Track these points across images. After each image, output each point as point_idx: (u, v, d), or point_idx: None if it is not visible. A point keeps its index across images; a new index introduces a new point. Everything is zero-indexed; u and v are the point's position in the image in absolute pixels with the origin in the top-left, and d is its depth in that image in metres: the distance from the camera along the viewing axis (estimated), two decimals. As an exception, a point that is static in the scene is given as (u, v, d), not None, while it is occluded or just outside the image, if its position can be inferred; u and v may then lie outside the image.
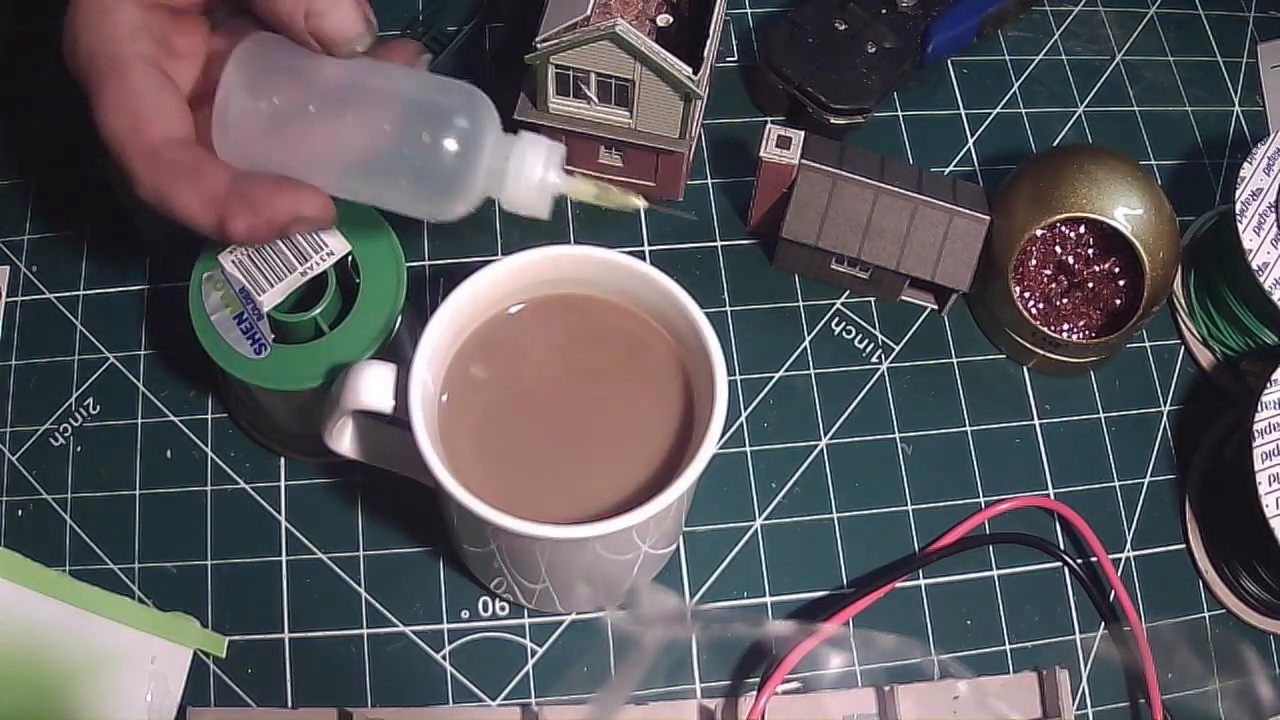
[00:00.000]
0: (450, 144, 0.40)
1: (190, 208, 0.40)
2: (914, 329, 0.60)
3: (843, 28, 0.62)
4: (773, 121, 0.62)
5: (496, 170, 0.41)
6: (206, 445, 0.55)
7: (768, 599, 0.53)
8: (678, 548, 0.54)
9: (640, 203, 0.44)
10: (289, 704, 0.50)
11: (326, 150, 0.41)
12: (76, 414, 0.55)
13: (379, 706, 0.50)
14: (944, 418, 0.58)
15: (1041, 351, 0.58)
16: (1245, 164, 0.57)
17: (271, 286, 0.47)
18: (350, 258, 0.48)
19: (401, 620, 0.52)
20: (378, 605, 0.52)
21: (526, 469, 0.43)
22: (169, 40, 0.42)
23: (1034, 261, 0.57)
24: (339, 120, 0.40)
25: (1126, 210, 0.53)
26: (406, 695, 0.51)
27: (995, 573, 0.54)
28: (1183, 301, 0.61)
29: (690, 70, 0.52)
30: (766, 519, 0.55)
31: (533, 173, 0.41)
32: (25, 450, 0.54)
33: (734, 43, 0.67)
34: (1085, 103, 0.67)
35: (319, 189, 0.41)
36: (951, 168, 0.64)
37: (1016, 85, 0.67)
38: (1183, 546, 0.56)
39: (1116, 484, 0.57)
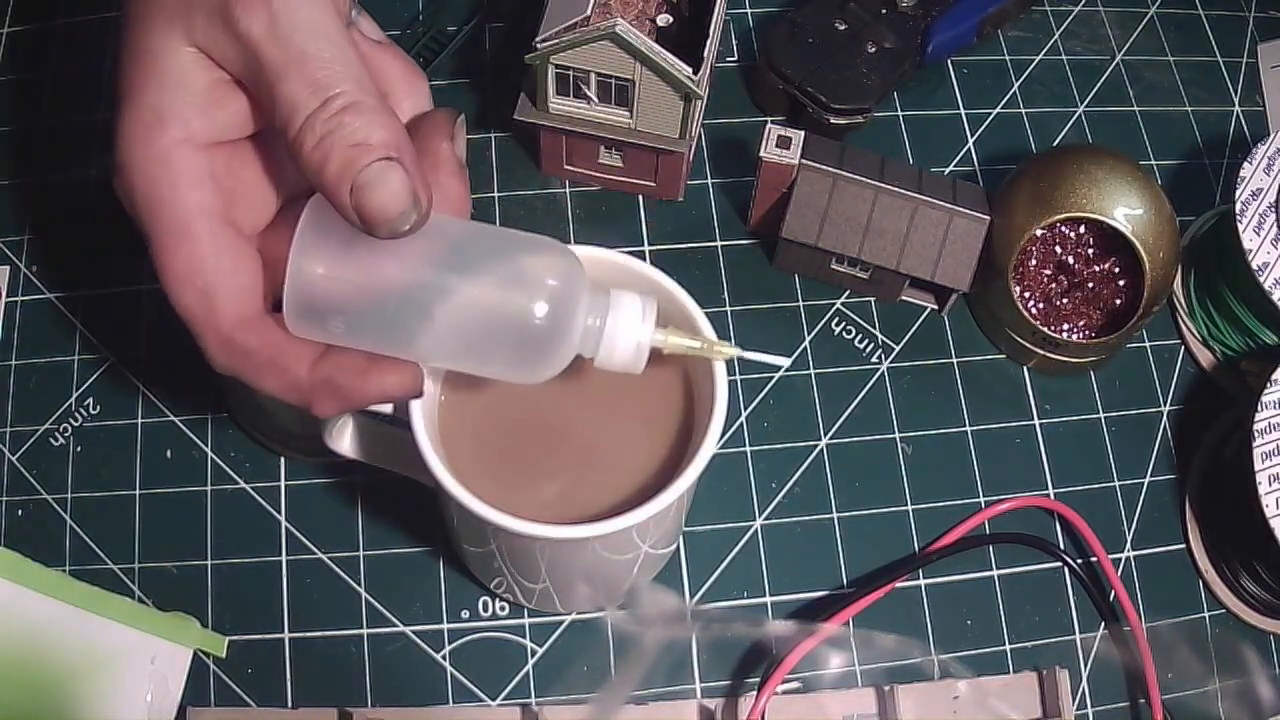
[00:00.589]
0: (542, 309, 0.37)
1: (273, 392, 0.38)
2: (914, 329, 0.60)
3: (843, 28, 0.62)
4: (773, 121, 0.62)
5: (591, 330, 0.38)
6: (206, 445, 0.55)
7: (768, 599, 0.53)
8: (678, 548, 0.54)
9: (735, 351, 0.41)
10: (289, 704, 0.50)
11: (407, 328, 0.37)
12: (76, 414, 0.55)
13: (379, 706, 0.50)
14: (944, 418, 0.58)
15: (1041, 351, 0.58)
16: (1245, 164, 0.57)
17: (272, 287, 0.47)
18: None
19: (401, 620, 0.52)
20: (378, 605, 0.52)
21: (526, 469, 0.43)
22: (232, 176, 0.38)
23: (1034, 261, 0.57)
24: (419, 295, 0.37)
25: (1126, 210, 0.53)
26: (406, 695, 0.51)
27: (995, 573, 0.54)
28: (1183, 301, 0.61)
29: (690, 70, 0.52)
30: (766, 519, 0.55)
31: (629, 333, 0.39)
32: (25, 450, 0.54)
33: (734, 43, 0.67)
34: (1085, 103, 0.67)
35: (403, 361, 0.38)
36: (951, 168, 0.64)
37: (1016, 85, 0.67)
38: (1183, 546, 0.56)
39: (1116, 484, 0.57)
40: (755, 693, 0.49)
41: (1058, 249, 0.57)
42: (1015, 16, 0.67)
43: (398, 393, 0.38)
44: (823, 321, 0.59)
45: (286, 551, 0.53)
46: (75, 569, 0.52)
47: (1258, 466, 0.50)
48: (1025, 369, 0.59)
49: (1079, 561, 0.54)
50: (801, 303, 0.60)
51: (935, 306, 0.60)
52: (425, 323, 0.37)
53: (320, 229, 0.37)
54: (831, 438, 0.57)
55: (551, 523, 0.39)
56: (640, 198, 0.62)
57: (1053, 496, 0.56)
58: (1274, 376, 0.51)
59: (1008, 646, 0.53)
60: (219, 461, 0.54)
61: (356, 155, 0.34)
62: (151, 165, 0.36)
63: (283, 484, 0.54)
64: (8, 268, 0.58)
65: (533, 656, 0.52)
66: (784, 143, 0.55)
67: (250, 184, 0.39)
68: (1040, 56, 0.68)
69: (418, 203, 0.35)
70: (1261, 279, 0.55)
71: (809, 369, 0.58)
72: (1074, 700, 0.52)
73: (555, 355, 0.38)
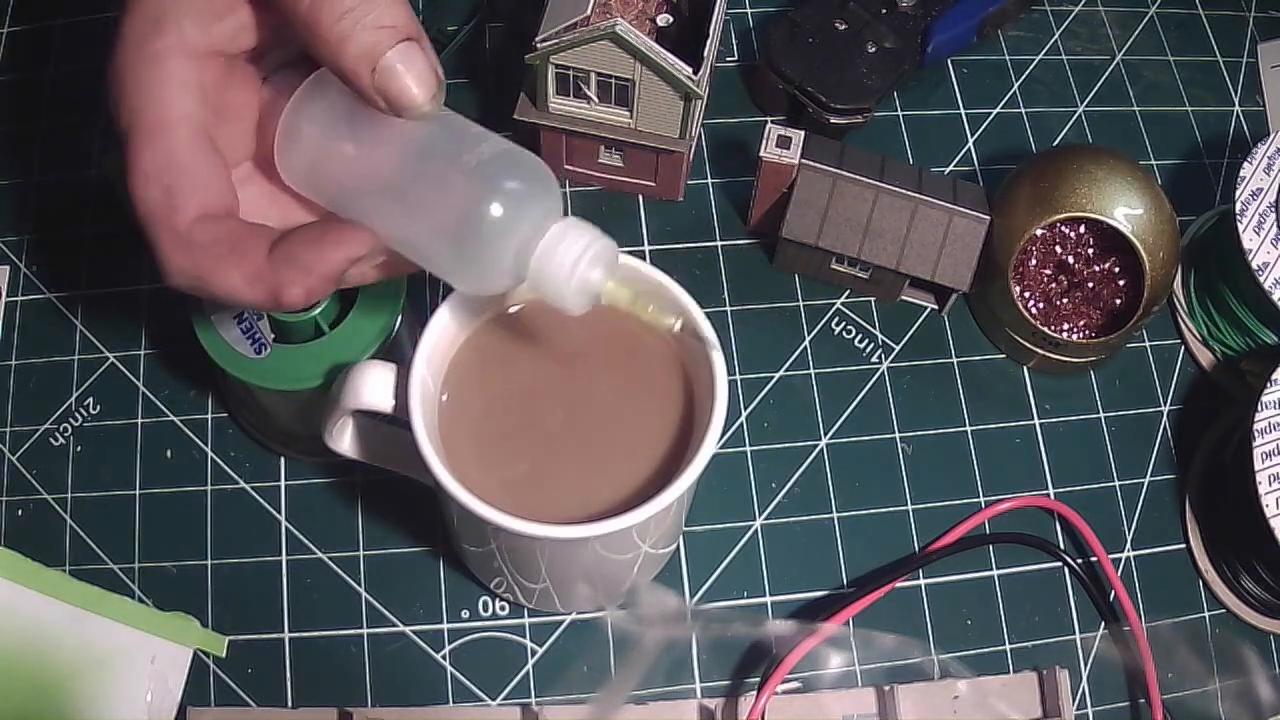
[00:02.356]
0: (493, 208, 0.36)
1: (235, 288, 0.36)
2: (914, 329, 0.60)
3: (843, 28, 0.62)
4: (773, 121, 0.62)
5: (528, 251, 0.37)
6: (206, 445, 0.55)
7: (768, 599, 0.53)
8: (678, 548, 0.54)
9: (675, 325, 0.38)
10: (289, 704, 0.50)
11: (378, 195, 0.38)
12: (76, 414, 0.55)
13: (379, 706, 0.50)
14: (944, 418, 0.58)
15: (1041, 351, 0.58)
16: (1245, 164, 0.57)
17: (271, 286, 0.47)
18: (350, 258, 0.48)
19: (401, 620, 0.52)
20: (378, 605, 0.52)
21: (526, 469, 0.43)
22: (221, 95, 0.38)
23: (1034, 261, 0.57)
24: (398, 165, 0.37)
25: (1126, 210, 0.54)
26: (406, 695, 0.51)
27: (995, 573, 0.54)
28: (1183, 301, 0.61)
29: (690, 70, 0.52)
30: (766, 519, 0.55)
31: (564, 260, 0.36)
32: (25, 450, 0.54)
33: (734, 43, 0.67)
34: (1085, 103, 0.67)
35: (359, 225, 0.37)
36: (951, 168, 0.64)
37: (1016, 85, 0.67)
38: (1183, 546, 0.56)
39: (1116, 484, 0.57)
40: (755, 693, 0.49)
41: (1058, 249, 0.57)
42: (1015, 16, 0.67)
43: (362, 251, 0.37)
44: (823, 321, 0.59)
45: (286, 551, 0.53)
46: (75, 569, 0.52)
47: (1258, 466, 0.50)
48: (1025, 369, 0.59)
49: (1079, 561, 0.54)
50: (801, 303, 0.60)
51: (935, 306, 0.60)
52: (392, 190, 0.37)
53: (328, 84, 0.37)
54: (831, 438, 0.57)
55: (551, 523, 0.39)
56: (640, 198, 0.62)
57: (1053, 496, 0.56)
58: (1274, 376, 0.51)
59: (1008, 646, 0.53)
60: (219, 461, 0.54)
61: (381, 37, 0.34)
62: (143, 66, 0.36)
63: (283, 484, 0.54)
64: (8, 268, 0.58)
65: (533, 656, 0.52)
66: (784, 143, 0.55)
67: (238, 107, 0.39)
68: (1040, 56, 0.68)
69: (442, 85, 0.35)
70: (1261, 279, 0.55)
71: (809, 369, 0.58)
72: (1074, 700, 0.52)
73: (487, 257, 0.37)
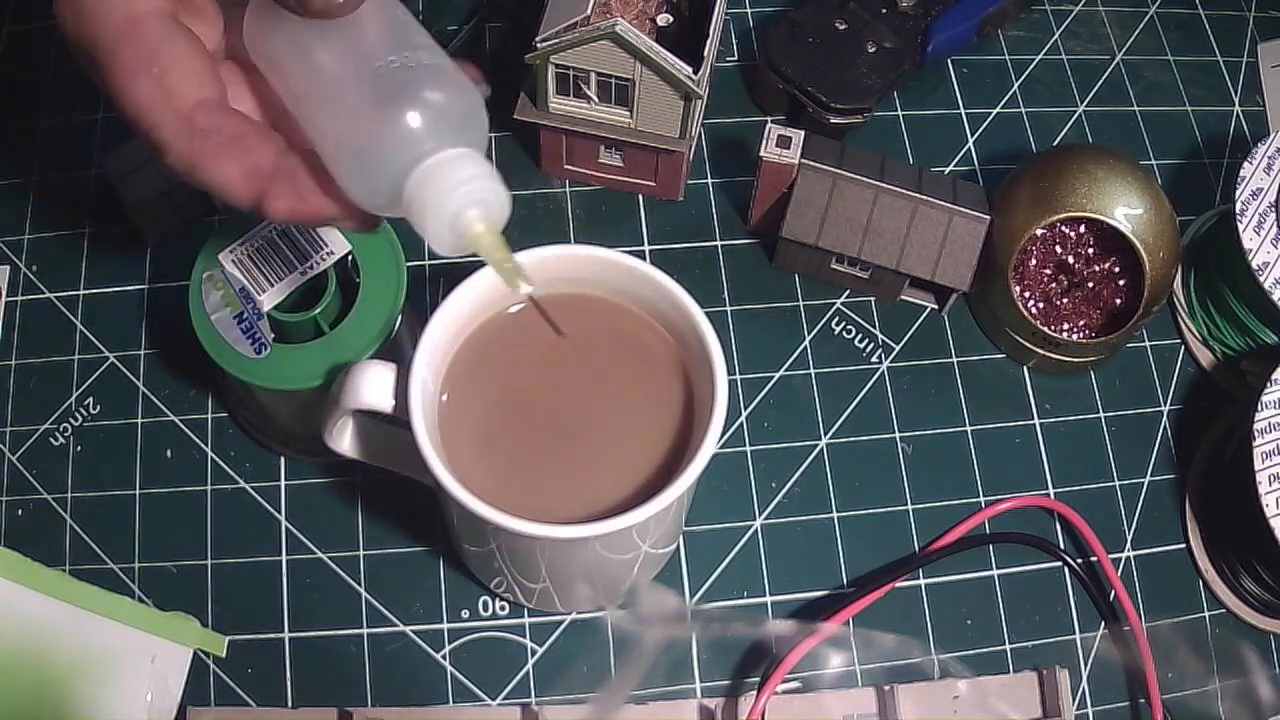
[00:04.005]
0: (409, 114, 0.34)
1: (229, 181, 0.35)
2: (914, 329, 0.60)
3: (843, 27, 0.62)
4: (773, 121, 0.62)
5: (422, 170, 0.34)
6: (206, 445, 0.55)
7: (768, 599, 0.53)
8: (678, 548, 0.54)
9: (525, 289, 0.37)
10: (289, 704, 0.50)
11: (316, 93, 0.36)
12: (76, 414, 0.55)
13: (379, 706, 0.50)
14: (944, 417, 0.58)
15: (1041, 351, 0.58)
16: (1245, 163, 0.57)
17: (271, 286, 0.47)
18: (350, 257, 0.48)
19: (401, 620, 0.52)
20: (378, 605, 0.52)
21: (526, 469, 0.43)
22: None
23: (1034, 261, 0.57)
24: (337, 65, 0.35)
25: (1126, 210, 0.54)
26: (406, 695, 0.51)
27: (995, 573, 0.54)
28: (1183, 301, 0.61)
29: (690, 70, 0.52)
30: (766, 519, 0.55)
31: (444, 185, 0.34)
32: (25, 450, 0.54)
33: (734, 43, 0.67)
34: (1085, 103, 0.67)
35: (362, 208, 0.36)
36: (951, 168, 0.64)
37: (1016, 85, 0.67)
38: (1183, 546, 0.56)
39: (1116, 484, 0.57)
40: (755, 692, 0.49)
41: (1058, 249, 0.57)
42: (1015, 16, 0.67)
43: (350, 223, 0.36)
44: (823, 321, 0.59)
45: (286, 551, 0.53)
46: (75, 569, 0.52)
47: (1258, 466, 0.50)
48: (1025, 369, 0.59)
49: (1079, 561, 0.54)
50: (801, 302, 0.60)
51: (935, 306, 0.60)
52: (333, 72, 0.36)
53: None
54: (831, 438, 0.57)
55: (551, 523, 0.39)
56: (640, 197, 0.62)
57: (1053, 496, 0.56)
58: (1274, 376, 0.51)
59: (1008, 646, 0.53)
60: (219, 461, 0.54)
61: None
62: None
63: (283, 484, 0.54)
64: (8, 268, 0.58)
65: (533, 656, 0.52)
66: (784, 142, 0.55)
67: (202, 6, 0.38)
68: (1040, 56, 0.68)
69: None
70: (1261, 279, 0.55)
71: (809, 369, 0.58)
72: (1074, 700, 0.52)
73: (381, 158, 0.34)
